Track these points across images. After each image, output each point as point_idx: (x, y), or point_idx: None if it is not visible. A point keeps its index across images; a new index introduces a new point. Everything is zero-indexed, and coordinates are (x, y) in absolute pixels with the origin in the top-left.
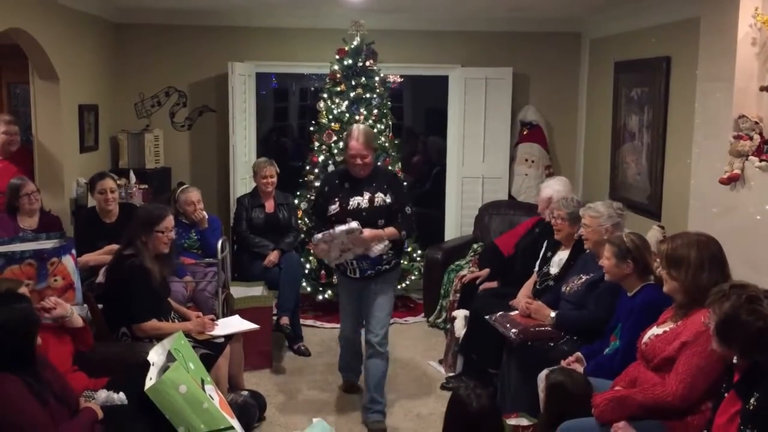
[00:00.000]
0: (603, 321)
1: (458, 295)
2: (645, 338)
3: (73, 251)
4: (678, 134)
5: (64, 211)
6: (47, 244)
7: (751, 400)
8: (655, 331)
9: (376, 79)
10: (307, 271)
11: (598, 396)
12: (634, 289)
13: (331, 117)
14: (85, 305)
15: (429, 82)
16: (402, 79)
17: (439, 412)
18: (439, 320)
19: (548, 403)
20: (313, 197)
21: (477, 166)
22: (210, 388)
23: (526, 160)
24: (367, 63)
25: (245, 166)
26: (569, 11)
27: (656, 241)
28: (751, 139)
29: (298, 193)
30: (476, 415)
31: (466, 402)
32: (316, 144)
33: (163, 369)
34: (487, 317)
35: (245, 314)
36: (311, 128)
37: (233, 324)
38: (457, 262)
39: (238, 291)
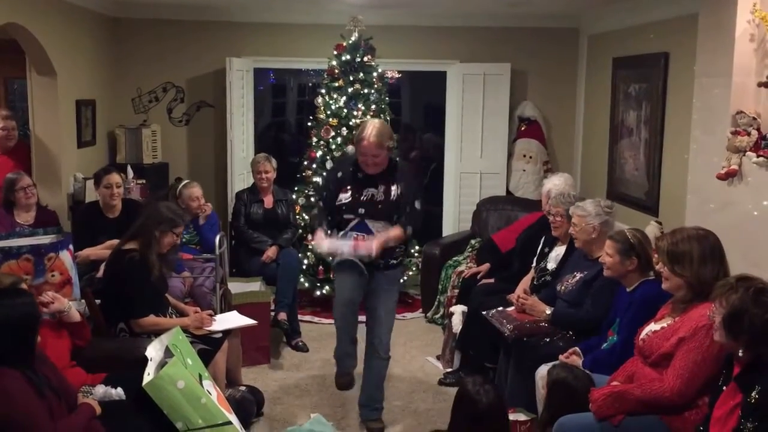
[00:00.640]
0: (599, 319)
1: (456, 290)
2: (642, 334)
3: (71, 246)
4: (676, 130)
5: (61, 207)
6: (45, 240)
7: (753, 393)
8: (652, 327)
9: (374, 74)
10: (305, 267)
11: (596, 391)
12: (633, 285)
13: (329, 113)
14: (83, 300)
15: (427, 77)
16: (399, 75)
17: (437, 407)
18: (437, 316)
19: (551, 400)
20: (310, 192)
21: (475, 162)
22: (208, 384)
23: (524, 155)
24: (365, 59)
25: (243, 161)
26: (567, 7)
27: (654, 237)
28: (748, 134)
29: (296, 189)
30: (486, 410)
31: (475, 399)
32: (314, 140)
33: (161, 364)
34: (483, 313)
35: (243, 310)
36: (309, 124)
37: (231, 319)
38: (455, 258)
39: (235, 286)
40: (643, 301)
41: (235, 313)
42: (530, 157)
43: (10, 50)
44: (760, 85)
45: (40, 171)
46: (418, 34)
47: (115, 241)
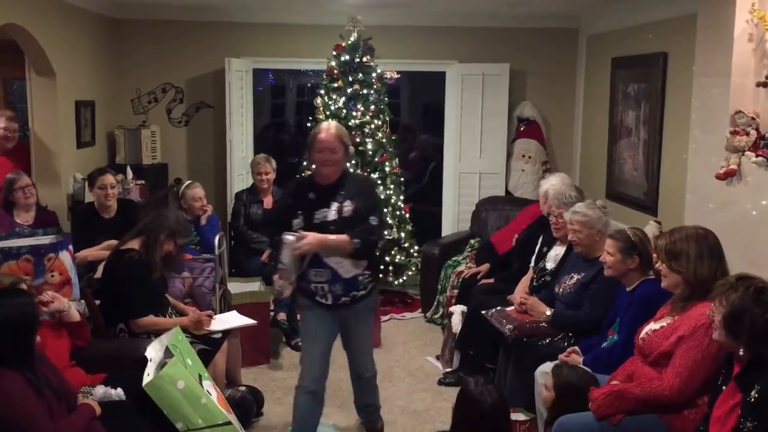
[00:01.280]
0: (598, 320)
1: (455, 290)
2: (642, 333)
3: (70, 247)
4: (675, 130)
5: (60, 207)
6: (44, 240)
7: (752, 393)
8: (652, 326)
9: (374, 75)
10: None
11: (596, 390)
12: (634, 284)
13: (328, 113)
14: (82, 301)
15: (426, 78)
16: (398, 75)
17: (436, 407)
18: (436, 316)
19: (562, 401)
20: None
21: (474, 162)
22: (208, 384)
23: (523, 155)
24: (365, 59)
25: (242, 162)
26: (566, 7)
27: (653, 237)
28: (747, 134)
29: None
30: (490, 411)
31: (479, 399)
32: None
33: (161, 365)
34: (483, 312)
35: (242, 310)
36: (308, 124)
37: (230, 319)
38: (454, 258)
39: (235, 286)
40: (643, 300)
41: (234, 313)
42: (529, 157)
43: (9, 51)
44: (758, 84)
45: (40, 171)
46: (417, 34)
47: (113, 242)
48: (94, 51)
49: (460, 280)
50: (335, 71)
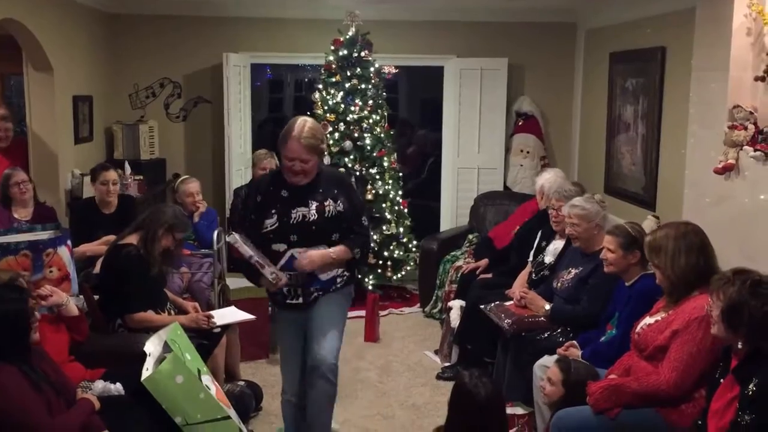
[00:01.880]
0: (596, 315)
1: (454, 285)
2: (638, 328)
3: (69, 242)
4: (673, 124)
5: (58, 203)
6: (43, 235)
7: (750, 386)
8: (647, 320)
9: (372, 69)
10: None
11: (593, 384)
12: (633, 279)
13: (326, 108)
14: (81, 296)
15: (424, 72)
16: (396, 70)
17: (435, 401)
18: (435, 310)
19: (571, 397)
20: None
21: (472, 157)
22: (207, 379)
23: (522, 150)
24: (363, 54)
25: (241, 157)
26: (564, 2)
27: (650, 231)
28: (745, 128)
29: None
30: (484, 403)
31: (473, 392)
32: None
33: (160, 359)
34: (482, 307)
35: (241, 305)
36: None
37: (229, 315)
38: (452, 253)
39: (234, 282)
40: (641, 294)
41: (233, 308)
42: (527, 152)
43: (6, 46)
44: (756, 79)
45: (38, 167)
46: (415, 29)
47: (112, 237)
48: (91, 46)
49: (458, 274)
50: (333, 66)
